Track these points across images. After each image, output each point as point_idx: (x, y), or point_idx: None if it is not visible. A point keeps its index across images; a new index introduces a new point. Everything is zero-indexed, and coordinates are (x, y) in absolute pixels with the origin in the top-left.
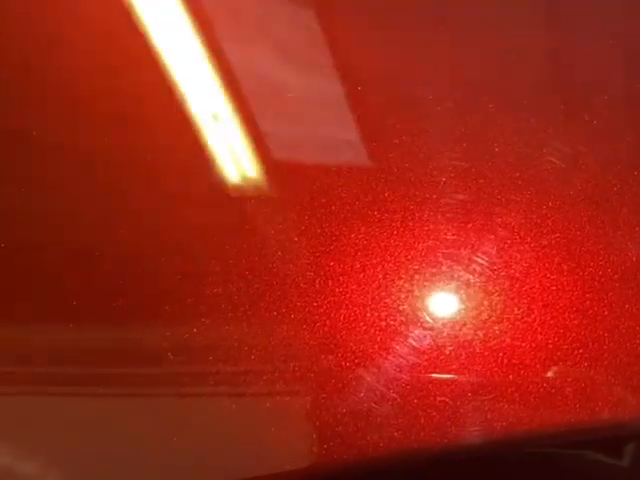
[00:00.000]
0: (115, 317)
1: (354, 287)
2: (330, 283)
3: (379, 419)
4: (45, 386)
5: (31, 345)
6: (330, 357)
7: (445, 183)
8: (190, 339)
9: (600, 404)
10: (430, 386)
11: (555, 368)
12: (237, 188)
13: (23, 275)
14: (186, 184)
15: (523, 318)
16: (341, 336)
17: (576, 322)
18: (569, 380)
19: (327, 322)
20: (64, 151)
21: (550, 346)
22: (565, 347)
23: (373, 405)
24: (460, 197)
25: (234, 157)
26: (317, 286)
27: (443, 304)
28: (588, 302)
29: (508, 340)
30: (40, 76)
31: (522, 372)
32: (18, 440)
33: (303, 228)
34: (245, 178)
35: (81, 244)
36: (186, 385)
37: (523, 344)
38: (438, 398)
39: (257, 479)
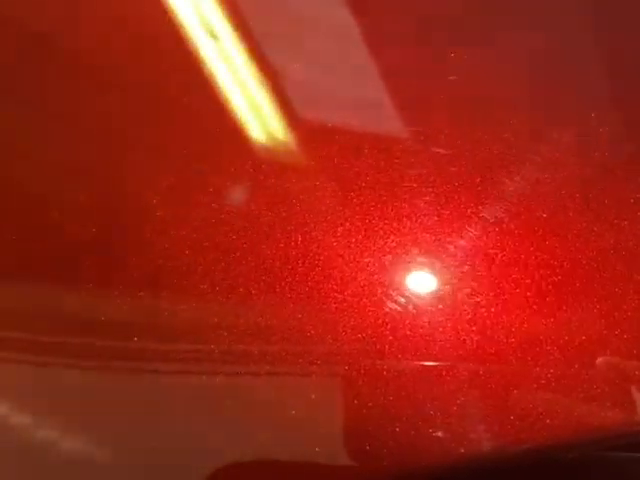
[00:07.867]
0: (152, 291)
1: (383, 259)
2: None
3: (417, 422)
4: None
5: (70, 317)
6: (360, 337)
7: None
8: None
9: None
10: (471, 385)
11: (597, 364)
12: (261, 149)
13: (56, 242)
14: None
15: (567, 315)
16: (370, 317)
17: (616, 315)
18: (610, 377)
19: (351, 303)
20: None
21: (594, 343)
22: (604, 344)
23: (408, 407)
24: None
25: (258, 115)
26: (345, 259)
27: (481, 289)
28: (628, 293)
29: (550, 339)
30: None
31: (563, 370)
32: (64, 414)
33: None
34: (271, 138)
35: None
36: (221, 363)
37: (566, 343)
38: (478, 400)
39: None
